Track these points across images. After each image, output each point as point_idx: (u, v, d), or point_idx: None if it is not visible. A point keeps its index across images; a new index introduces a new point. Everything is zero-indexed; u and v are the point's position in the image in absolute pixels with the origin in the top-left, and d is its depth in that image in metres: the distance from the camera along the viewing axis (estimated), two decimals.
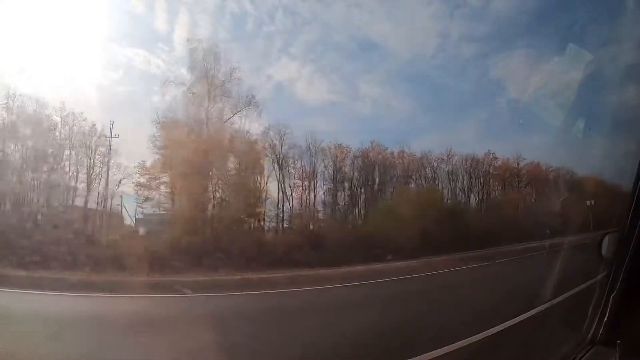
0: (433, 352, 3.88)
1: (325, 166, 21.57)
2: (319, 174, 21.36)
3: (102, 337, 4.88)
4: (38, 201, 16.72)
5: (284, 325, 5.68)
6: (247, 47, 29.08)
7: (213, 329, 5.17)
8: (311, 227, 19.77)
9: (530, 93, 27.63)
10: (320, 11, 27.46)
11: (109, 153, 18.06)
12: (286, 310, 6.96)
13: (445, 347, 4.00)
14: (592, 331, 2.00)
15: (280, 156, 20.51)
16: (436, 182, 24.06)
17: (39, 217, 14.99)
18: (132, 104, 24.00)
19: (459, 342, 4.14)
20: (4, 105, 16.62)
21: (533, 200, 25.70)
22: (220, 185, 17.76)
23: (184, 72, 25.48)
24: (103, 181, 18.23)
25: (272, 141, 20.35)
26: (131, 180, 18.20)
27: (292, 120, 27.48)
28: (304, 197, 21.15)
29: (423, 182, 23.90)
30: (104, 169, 18.20)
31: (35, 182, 17.15)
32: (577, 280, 5.71)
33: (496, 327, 4.70)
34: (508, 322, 4.93)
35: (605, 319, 1.92)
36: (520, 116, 27.48)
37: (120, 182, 18.30)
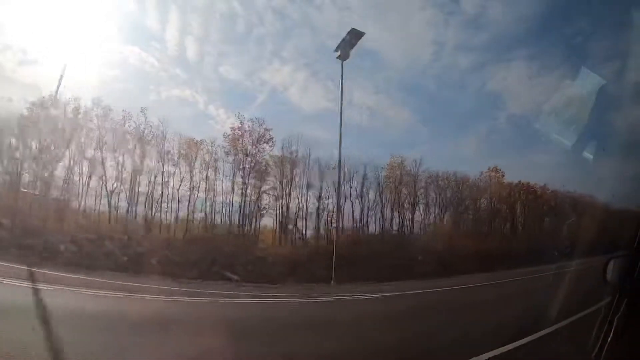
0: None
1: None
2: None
3: None
4: None
5: None
6: (238, 50, 29.05)
7: None
8: None
9: (532, 108, 27.11)
10: (310, 14, 27.14)
11: None
12: None
13: None
14: (596, 349, 2.08)
15: None
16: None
17: None
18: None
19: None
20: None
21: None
22: None
23: (178, 71, 25.77)
24: None
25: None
26: None
27: (288, 126, 27.60)
28: None
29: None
30: None
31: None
32: (582, 303, 5.75)
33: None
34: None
35: (610, 338, 2.00)
36: (522, 132, 26.85)
37: None
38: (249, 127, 20.38)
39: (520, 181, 24.81)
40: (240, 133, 20.44)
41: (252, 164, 20.48)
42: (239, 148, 20.37)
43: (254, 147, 20.48)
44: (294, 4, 28.07)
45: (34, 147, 17.44)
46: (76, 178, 18.29)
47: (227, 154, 20.38)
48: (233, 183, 20.34)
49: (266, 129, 20.53)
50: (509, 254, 18.32)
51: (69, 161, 18.12)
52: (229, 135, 20.50)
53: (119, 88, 22.44)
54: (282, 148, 20.92)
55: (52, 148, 17.81)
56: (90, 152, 18.45)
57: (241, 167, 20.40)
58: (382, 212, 22.20)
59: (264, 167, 20.88)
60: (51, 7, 21.11)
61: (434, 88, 29.33)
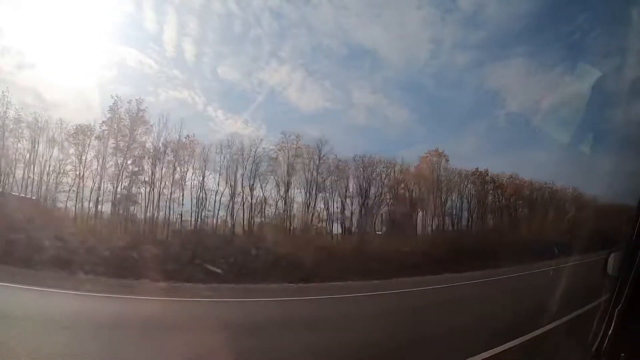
0: None
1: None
2: None
3: None
4: None
5: None
6: (236, 51, 28.94)
7: None
8: None
9: (531, 106, 26.96)
10: (307, 13, 27.05)
11: None
12: None
13: None
14: (597, 343, 2.06)
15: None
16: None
17: None
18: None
19: None
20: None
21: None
22: None
23: (176, 73, 25.71)
24: None
25: None
26: None
27: (287, 126, 27.68)
28: None
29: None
30: None
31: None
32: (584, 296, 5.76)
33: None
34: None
35: (610, 331, 1.99)
36: (520, 130, 26.54)
37: None
38: (125, 108, 19.15)
39: (477, 169, 23.07)
40: (117, 115, 19.11)
41: (127, 148, 19.18)
42: (115, 131, 19.17)
43: (130, 129, 19.22)
44: (290, 4, 28.29)
45: None
46: None
47: (99, 138, 19.17)
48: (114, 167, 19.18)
49: (141, 109, 19.31)
50: (412, 256, 14.94)
51: None
52: (108, 117, 19.21)
53: (118, 90, 22.31)
54: (161, 133, 19.59)
55: None
56: None
57: (119, 151, 19.13)
58: (260, 202, 21.02)
59: (140, 152, 19.54)
60: (49, 9, 21.05)
61: (432, 87, 29.27)
